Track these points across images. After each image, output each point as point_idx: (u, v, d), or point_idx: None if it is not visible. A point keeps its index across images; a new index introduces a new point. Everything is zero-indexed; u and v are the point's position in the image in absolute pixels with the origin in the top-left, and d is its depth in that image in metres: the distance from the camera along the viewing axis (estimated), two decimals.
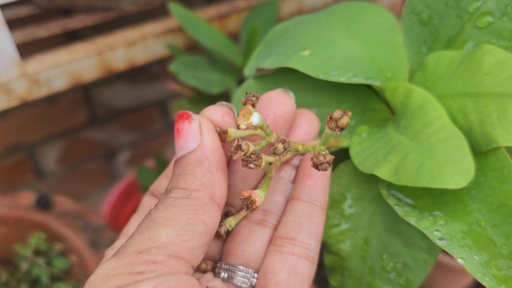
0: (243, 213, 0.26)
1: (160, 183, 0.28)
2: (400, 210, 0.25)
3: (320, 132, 0.29)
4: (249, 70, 0.33)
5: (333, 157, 0.22)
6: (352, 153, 0.28)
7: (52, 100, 0.71)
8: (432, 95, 0.27)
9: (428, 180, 0.23)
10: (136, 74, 0.76)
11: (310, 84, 0.31)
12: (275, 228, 0.26)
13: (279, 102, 0.26)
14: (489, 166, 0.25)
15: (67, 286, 0.56)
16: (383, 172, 0.25)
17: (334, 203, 0.30)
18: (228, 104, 0.25)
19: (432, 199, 0.25)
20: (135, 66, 0.55)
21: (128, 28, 0.55)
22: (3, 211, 0.58)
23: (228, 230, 0.26)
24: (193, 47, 0.58)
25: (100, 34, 0.54)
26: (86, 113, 0.76)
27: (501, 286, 0.22)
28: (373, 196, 0.29)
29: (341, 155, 0.30)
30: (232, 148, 0.22)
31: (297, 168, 0.27)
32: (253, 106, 0.22)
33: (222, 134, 0.24)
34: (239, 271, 0.25)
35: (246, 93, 0.23)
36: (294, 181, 0.27)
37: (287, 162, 0.27)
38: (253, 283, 0.25)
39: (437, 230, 0.24)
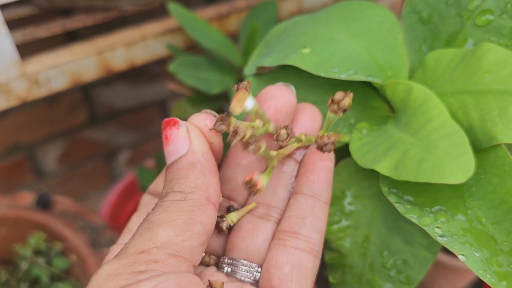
0: (246, 209, 0.26)
1: (157, 183, 0.28)
2: (401, 208, 0.25)
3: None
4: (249, 70, 0.33)
5: (338, 136, 0.22)
6: (352, 148, 0.28)
7: (52, 100, 0.71)
8: (432, 93, 0.27)
9: (428, 176, 0.23)
10: (136, 74, 0.76)
11: (310, 82, 0.31)
12: (278, 222, 0.26)
13: (279, 96, 0.26)
14: (490, 163, 0.25)
15: (67, 285, 0.56)
16: (383, 168, 0.25)
17: (334, 200, 0.30)
18: (213, 112, 0.25)
19: (432, 196, 0.25)
20: (135, 66, 0.55)
21: (128, 28, 0.55)
22: (3, 211, 0.58)
23: (230, 225, 0.26)
24: (193, 47, 0.58)
25: (100, 34, 0.54)
26: (86, 113, 0.76)
27: (502, 283, 0.22)
28: (374, 193, 0.29)
29: (341, 153, 0.30)
30: (230, 134, 0.22)
31: (300, 163, 0.27)
32: (246, 90, 0.23)
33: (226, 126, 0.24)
34: (242, 265, 0.25)
35: (239, 82, 0.23)
36: (297, 175, 0.27)
37: (289, 156, 0.27)
38: (257, 278, 0.25)
39: (438, 227, 0.24)
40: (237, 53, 0.54)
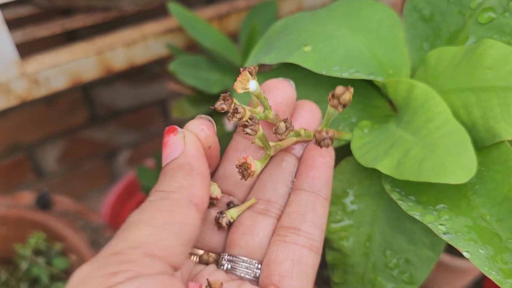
0: (246, 204, 0.26)
1: None
2: (404, 205, 0.25)
3: None
4: (249, 65, 0.33)
5: (336, 132, 0.22)
6: (353, 147, 0.28)
7: (51, 100, 0.71)
8: (434, 91, 0.27)
9: (430, 175, 0.23)
10: (136, 74, 0.76)
11: (310, 80, 0.31)
12: (279, 218, 0.26)
13: (279, 88, 0.26)
14: (493, 160, 0.25)
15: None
16: (385, 167, 0.25)
17: (336, 199, 0.30)
18: (208, 117, 0.25)
19: (436, 193, 0.25)
20: (135, 66, 0.55)
21: (128, 28, 0.55)
22: (3, 211, 0.58)
23: (229, 221, 0.26)
24: (193, 47, 0.58)
25: (99, 34, 0.54)
26: (86, 112, 0.76)
27: (508, 280, 0.22)
28: (376, 192, 0.29)
29: (343, 152, 0.30)
30: (229, 113, 0.22)
31: (300, 159, 0.27)
32: (251, 74, 0.23)
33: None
34: (242, 262, 0.25)
35: (246, 66, 0.23)
36: (297, 171, 0.27)
37: (289, 151, 0.27)
38: (257, 274, 0.25)
39: (441, 225, 0.24)
40: (237, 53, 0.54)
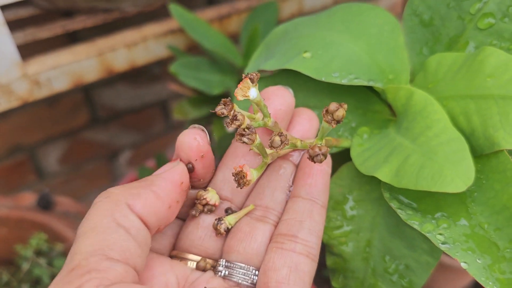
0: (244, 211, 0.26)
1: None
2: (403, 214, 0.25)
3: None
4: (249, 71, 0.33)
5: (329, 149, 0.23)
6: (353, 154, 0.28)
7: (53, 101, 0.71)
8: (433, 97, 0.27)
9: (428, 183, 0.23)
10: (137, 75, 0.76)
11: (310, 86, 0.31)
12: (276, 225, 0.26)
13: (278, 95, 0.26)
14: (492, 169, 0.25)
15: None
16: (384, 174, 0.25)
17: (336, 204, 0.30)
18: (200, 126, 0.26)
19: (434, 201, 0.25)
20: (136, 67, 0.55)
21: (129, 29, 0.55)
22: (4, 212, 0.58)
23: (227, 228, 0.26)
24: (194, 48, 0.58)
25: (100, 35, 0.54)
26: (87, 114, 0.76)
27: None
28: (375, 197, 0.29)
29: (343, 157, 0.30)
30: (229, 118, 0.23)
31: (298, 166, 0.27)
32: (252, 81, 0.23)
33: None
34: (239, 268, 0.25)
35: (248, 73, 0.23)
36: (294, 178, 0.27)
37: (286, 159, 0.27)
38: (254, 281, 0.25)
39: (440, 234, 0.24)
40: (238, 54, 0.54)
